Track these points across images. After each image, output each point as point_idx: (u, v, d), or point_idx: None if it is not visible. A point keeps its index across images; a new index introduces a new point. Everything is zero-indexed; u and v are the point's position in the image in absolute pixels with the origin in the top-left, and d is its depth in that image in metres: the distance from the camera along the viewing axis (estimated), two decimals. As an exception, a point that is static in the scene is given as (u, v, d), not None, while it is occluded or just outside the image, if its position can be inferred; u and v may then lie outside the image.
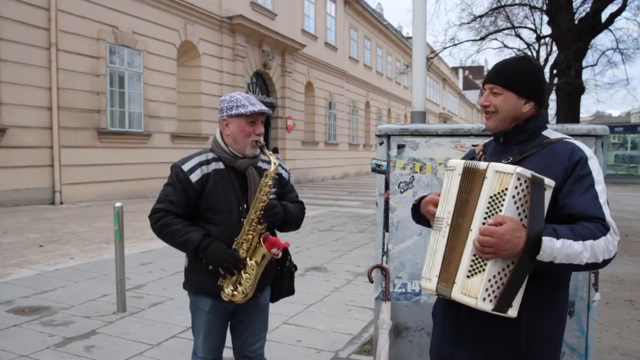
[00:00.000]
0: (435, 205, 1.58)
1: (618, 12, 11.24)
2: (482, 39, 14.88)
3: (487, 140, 1.77)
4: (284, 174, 2.29)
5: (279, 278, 2.29)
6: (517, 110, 1.57)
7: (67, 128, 11.46)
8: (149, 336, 3.79)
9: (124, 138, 13.02)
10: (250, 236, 2.04)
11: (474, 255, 1.39)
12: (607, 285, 5.40)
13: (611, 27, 11.99)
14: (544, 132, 1.60)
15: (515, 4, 14.51)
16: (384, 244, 2.69)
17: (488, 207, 1.38)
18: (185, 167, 2.06)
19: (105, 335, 3.80)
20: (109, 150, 12.53)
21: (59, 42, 11.16)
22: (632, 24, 34.28)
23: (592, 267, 1.41)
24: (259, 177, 2.10)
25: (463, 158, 1.74)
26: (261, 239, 2.05)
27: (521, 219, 1.37)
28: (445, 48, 14.12)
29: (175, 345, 3.67)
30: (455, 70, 59.98)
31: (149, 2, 13.59)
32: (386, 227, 2.67)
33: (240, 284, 2.04)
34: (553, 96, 16.22)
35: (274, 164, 2.07)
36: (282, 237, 2.22)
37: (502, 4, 14.06)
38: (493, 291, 1.37)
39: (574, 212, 1.44)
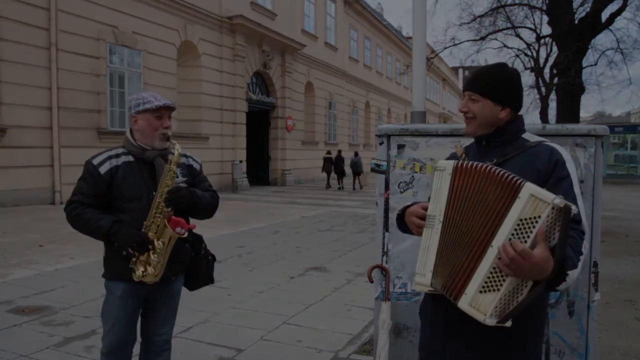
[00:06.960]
0: (419, 216, 1.63)
1: (618, 12, 11.23)
2: (482, 39, 14.89)
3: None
4: (195, 165, 2.44)
5: (195, 265, 2.39)
6: (494, 117, 1.62)
7: (67, 128, 11.47)
8: (149, 336, 3.79)
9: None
10: (158, 219, 2.18)
11: (492, 272, 1.40)
12: (607, 285, 5.40)
13: (611, 27, 11.98)
14: (524, 135, 1.65)
15: (515, 4, 14.50)
16: (384, 244, 2.69)
17: (515, 229, 1.38)
18: (95, 161, 2.25)
19: (105, 335, 3.80)
20: (109, 150, 12.53)
21: (59, 42, 11.18)
22: (632, 24, 34.29)
23: None
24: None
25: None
26: (166, 220, 2.19)
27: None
28: (445, 48, 14.11)
29: (174, 345, 3.65)
30: (455, 70, 60.00)
31: (149, 2, 13.59)
32: (386, 227, 2.67)
33: (149, 264, 2.17)
34: (553, 96, 16.24)
35: (177, 150, 2.23)
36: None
37: (502, 3, 14.05)
38: (501, 307, 1.40)
39: None
